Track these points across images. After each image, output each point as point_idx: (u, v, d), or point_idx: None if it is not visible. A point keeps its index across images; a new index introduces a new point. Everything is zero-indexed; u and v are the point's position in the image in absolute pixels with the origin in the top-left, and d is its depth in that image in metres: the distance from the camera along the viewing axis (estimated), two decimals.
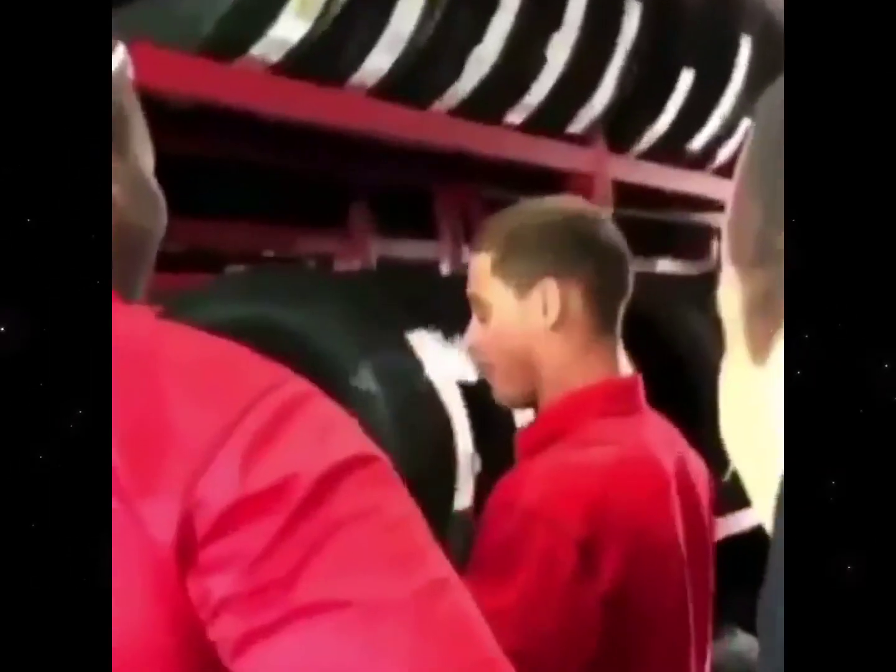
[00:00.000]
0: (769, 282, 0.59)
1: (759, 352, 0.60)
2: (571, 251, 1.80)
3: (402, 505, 0.93)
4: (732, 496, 1.33)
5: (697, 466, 1.84)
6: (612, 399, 1.78)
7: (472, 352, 1.86)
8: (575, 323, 1.78)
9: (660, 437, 1.80)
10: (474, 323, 1.84)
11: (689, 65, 3.30)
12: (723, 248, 0.62)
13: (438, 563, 0.92)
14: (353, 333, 2.46)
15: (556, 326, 1.78)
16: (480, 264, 1.82)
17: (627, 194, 3.32)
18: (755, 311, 0.60)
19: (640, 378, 1.83)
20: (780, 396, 0.57)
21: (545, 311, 1.77)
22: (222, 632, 0.89)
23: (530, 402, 1.82)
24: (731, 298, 0.61)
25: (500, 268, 1.80)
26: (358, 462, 0.91)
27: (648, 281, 2.30)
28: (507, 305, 1.79)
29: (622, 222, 3.40)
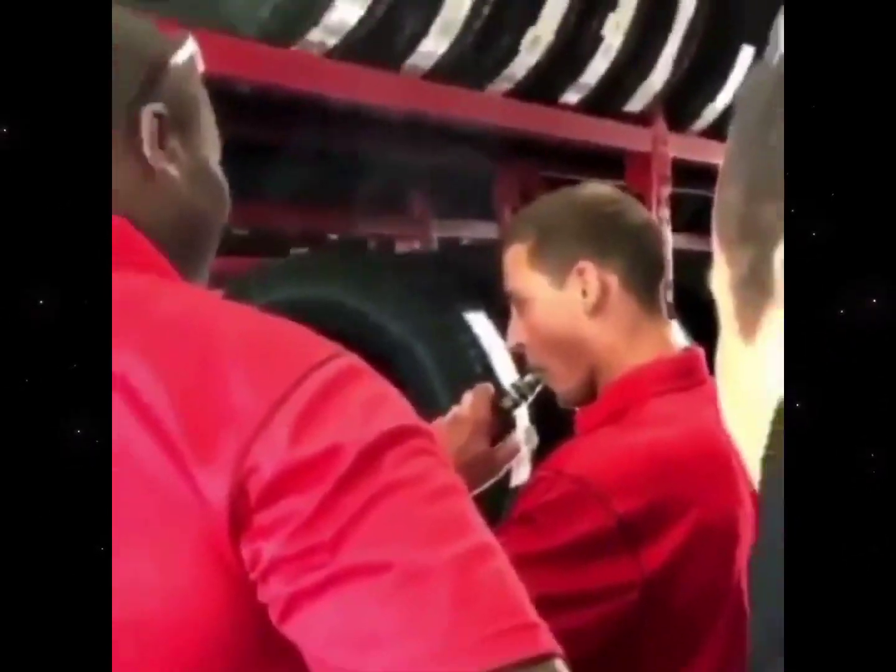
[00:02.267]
0: (753, 260, 0.59)
1: (747, 328, 0.60)
2: (606, 235, 1.78)
3: (444, 475, 0.94)
4: None
5: None
6: (668, 376, 1.77)
7: (524, 353, 1.82)
8: (616, 305, 1.78)
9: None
10: (515, 322, 1.82)
11: (748, 41, 3.29)
12: (712, 229, 0.63)
13: (478, 531, 0.93)
14: (411, 312, 2.49)
15: (597, 310, 1.77)
16: (515, 256, 1.80)
17: (688, 172, 3.32)
18: (741, 289, 0.60)
19: (698, 352, 1.80)
20: (770, 372, 0.57)
21: (584, 295, 1.78)
22: (271, 593, 0.91)
23: (593, 393, 1.79)
24: (720, 277, 0.62)
25: (536, 257, 1.78)
26: (403, 434, 0.93)
27: (704, 259, 2.32)
28: (547, 295, 1.77)
29: (682, 200, 3.40)
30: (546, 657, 0.90)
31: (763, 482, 0.56)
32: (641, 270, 1.80)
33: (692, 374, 1.78)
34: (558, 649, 0.90)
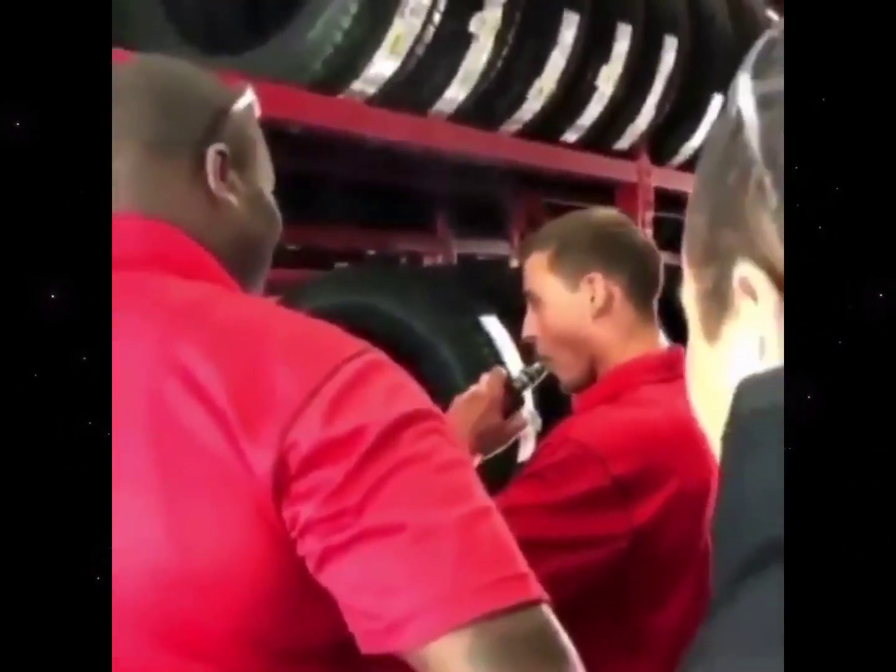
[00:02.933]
0: (715, 277, 0.58)
1: (710, 333, 0.60)
2: (616, 253, 1.80)
3: (451, 451, 0.94)
4: None
5: None
6: (655, 368, 1.79)
7: (534, 345, 1.84)
8: (618, 311, 1.79)
9: None
10: (530, 315, 1.84)
11: (718, 91, 3.29)
12: (682, 251, 0.62)
13: (479, 497, 0.93)
14: (436, 317, 2.50)
15: (601, 313, 1.79)
16: (536, 262, 1.82)
17: (667, 200, 3.32)
18: (705, 301, 0.60)
19: (680, 351, 1.80)
20: (728, 369, 0.58)
21: (592, 300, 1.80)
22: (307, 549, 0.92)
23: (592, 380, 1.81)
24: (688, 291, 0.61)
25: (554, 264, 1.80)
26: (418, 416, 0.94)
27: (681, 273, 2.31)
28: (560, 297, 1.79)
29: (663, 223, 3.40)
30: (536, 602, 0.91)
31: (722, 457, 0.56)
32: (641, 284, 1.82)
33: (674, 368, 1.79)
34: (546, 596, 0.92)
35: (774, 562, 0.49)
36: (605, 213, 1.92)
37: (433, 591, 0.89)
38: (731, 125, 0.58)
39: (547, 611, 0.91)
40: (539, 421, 1.99)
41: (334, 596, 0.92)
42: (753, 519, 0.51)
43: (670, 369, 1.79)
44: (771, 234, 0.55)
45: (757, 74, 0.57)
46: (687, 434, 1.69)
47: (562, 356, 1.81)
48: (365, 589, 0.90)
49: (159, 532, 0.93)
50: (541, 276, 1.81)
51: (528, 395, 1.94)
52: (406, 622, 0.89)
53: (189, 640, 0.94)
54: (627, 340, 1.80)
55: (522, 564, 0.92)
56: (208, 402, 0.93)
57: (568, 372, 1.82)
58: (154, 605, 0.93)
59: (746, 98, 0.57)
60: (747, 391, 0.55)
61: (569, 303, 1.80)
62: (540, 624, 0.90)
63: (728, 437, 0.55)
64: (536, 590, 0.91)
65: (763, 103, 0.56)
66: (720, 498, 0.55)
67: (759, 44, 0.59)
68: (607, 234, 1.82)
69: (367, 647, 0.91)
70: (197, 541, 0.92)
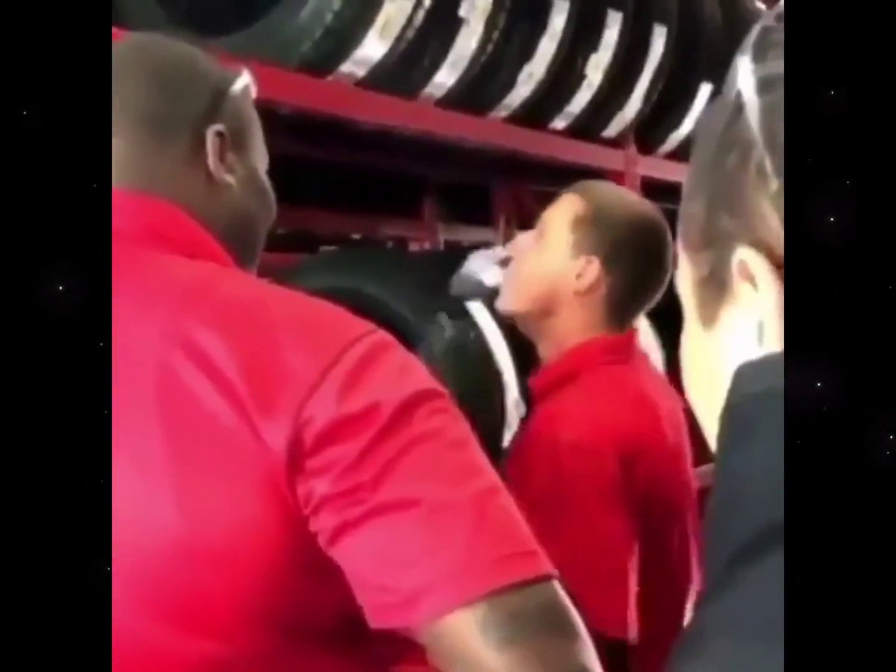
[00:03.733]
0: (712, 262, 0.58)
1: (707, 320, 0.59)
2: (632, 255, 1.81)
3: (460, 429, 0.96)
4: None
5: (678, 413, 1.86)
6: (609, 350, 1.81)
7: (511, 260, 1.84)
8: (594, 304, 1.81)
9: (652, 382, 1.85)
10: (528, 237, 1.83)
11: (706, 80, 3.29)
12: (677, 236, 0.62)
13: (489, 474, 0.95)
14: (421, 301, 2.50)
15: (580, 295, 1.80)
16: (569, 204, 1.80)
17: (654, 189, 3.32)
18: (702, 286, 0.59)
19: (634, 334, 1.85)
20: (726, 355, 0.57)
21: (578, 277, 1.80)
22: (321, 524, 0.92)
23: (526, 327, 1.83)
24: (684, 276, 0.61)
25: (579, 223, 1.79)
26: (427, 395, 0.95)
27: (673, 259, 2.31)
28: (561, 252, 1.80)
29: None
30: (547, 578, 0.92)
31: (718, 441, 0.55)
32: (630, 296, 1.82)
33: (627, 351, 1.82)
34: (556, 572, 0.92)
35: (774, 546, 0.49)
36: (653, 216, 1.87)
37: (448, 565, 0.89)
38: (731, 108, 0.58)
39: (557, 586, 0.92)
40: (523, 408, 1.99)
41: (347, 571, 0.92)
42: (752, 503, 0.51)
43: (625, 351, 1.81)
44: (771, 218, 0.55)
45: (757, 57, 0.57)
46: (652, 409, 1.77)
47: (529, 286, 1.80)
48: (380, 563, 0.91)
49: (168, 505, 0.93)
50: (559, 221, 1.81)
51: (513, 383, 1.94)
52: (421, 595, 0.89)
53: (195, 615, 0.94)
54: (587, 333, 1.81)
55: (533, 541, 0.93)
56: (218, 377, 0.93)
57: (519, 298, 1.81)
58: (161, 579, 0.93)
59: (747, 80, 0.57)
60: (745, 376, 0.55)
61: (561, 263, 1.79)
62: (551, 598, 0.91)
63: (725, 422, 0.55)
64: (547, 565, 0.92)
65: (763, 86, 0.56)
66: (716, 483, 0.55)
67: (758, 26, 0.58)
68: (637, 238, 1.81)
69: (379, 621, 0.92)
70: (206, 514, 0.92)
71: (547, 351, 1.83)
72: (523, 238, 1.86)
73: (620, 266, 1.80)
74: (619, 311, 1.82)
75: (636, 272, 1.82)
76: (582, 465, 1.68)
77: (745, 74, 0.57)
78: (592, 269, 1.80)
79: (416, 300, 2.50)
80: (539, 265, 1.81)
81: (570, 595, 0.93)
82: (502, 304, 1.86)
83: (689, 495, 1.87)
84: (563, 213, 1.82)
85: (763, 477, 0.51)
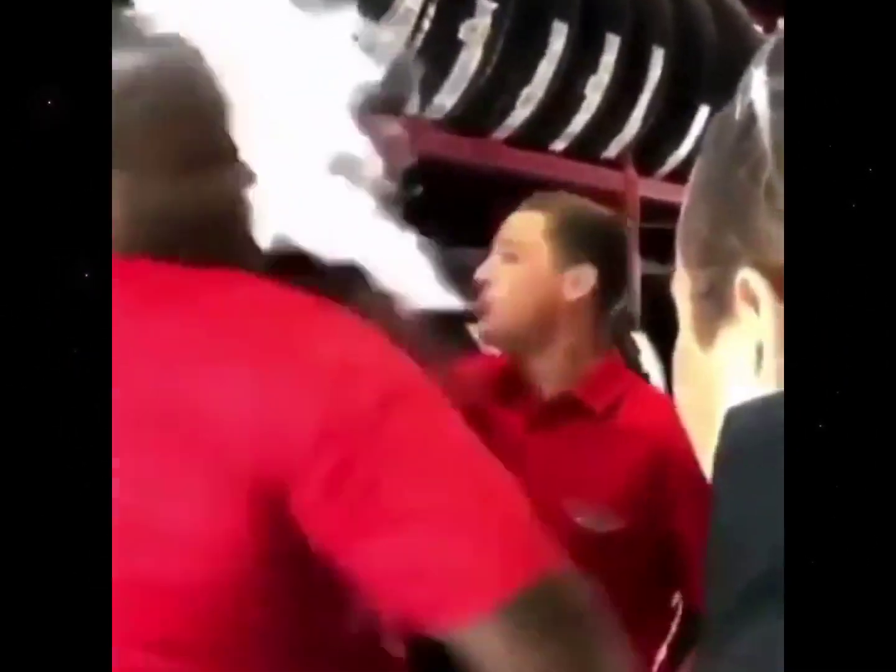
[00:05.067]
0: (713, 280, 0.56)
1: (704, 338, 0.57)
2: (617, 254, 1.83)
3: (458, 427, 0.93)
4: None
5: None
6: (625, 367, 1.86)
7: (487, 284, 1.78)
8: (587, 310, 1.81)
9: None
10: (496, 260, 1.79)
11: (705, 101, 3.29)
12: (676, 251, 0.60)
13: (500, 474, 0.92)
14: None
15: (573, 302, 1.80)
16: (533, 220, 1.79)
17: (653, 210, 3.31)
18: (700, 300, 0.57)
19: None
20: (724, 379, 0.55)
21: (574, 286, 1.79)
22: (329, 537, 0.90)
23: (523, 344, 1.78)
24: (681, 293, 0.59)
25: (554, 235, 1.78)
26: (428, 397, 0.93)
27: (666, 282, 2.31)
28: (543, 268, 1.78)
29: (649, 234, 3.40)
30: (568, 574, 0.91)
31: (714, 478, 0.53)
32: (614, 299, 1.85)
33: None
34: (570, 565, 0.91)
35: (773, 596, 0.47)
36: (607, 210, 1.92)
37: (465, 572, 0.88)
38: (742, 120, 0.56)
39: (581, 580, 0.91)
40: None
41: (362, 583, 0.90)
42: (750, 549, 0.49)
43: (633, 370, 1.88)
44: (778, 239, 0.53)
45: (771, 70, 0.55)
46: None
47: (524, 305, 1.77)
48: (395, 574, 0.89)
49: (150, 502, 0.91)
50: (530, 235, 1.78)
51: None
52: (442, 603, 0.88)
53: (171, 639, 0.92)
54: (592, 338, 1.82)
55: (544, 543, 0.92)
56: (222, 381, 0.92)
57: (514, 320, 1.76)
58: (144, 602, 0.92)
59: (760, 93, 0.54)
60: (737, 420, 0.52)
61: (547, 277, 1.77)
62: (576, 594, 0.90)
63: (718, 470, 0.53)
64: (567, 562, 0.91)
65: (777, 100, 0.54)
66: (713, 524, 0.53)
67: (773, 39, 0.56)
68: (620, 241, 1.84)
69: (401, 629, 0.91)
70: (193, 524, 0.90)
71: (551, 361, 1.79)
72: (491, 263, 1.82)
73: (611, 267, 1.81)
74: (610, 312, 1.84)
75: (622, 269, 1.84)
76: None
77: (758, 87, 0.55)
78: (586, 275, 1.79)
79: None
80: (524, 280, 1.79)
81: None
82: (493, 324, 1.80)
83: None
84: (531, 230, 1.80)
85: (762, 520, 0.49)
